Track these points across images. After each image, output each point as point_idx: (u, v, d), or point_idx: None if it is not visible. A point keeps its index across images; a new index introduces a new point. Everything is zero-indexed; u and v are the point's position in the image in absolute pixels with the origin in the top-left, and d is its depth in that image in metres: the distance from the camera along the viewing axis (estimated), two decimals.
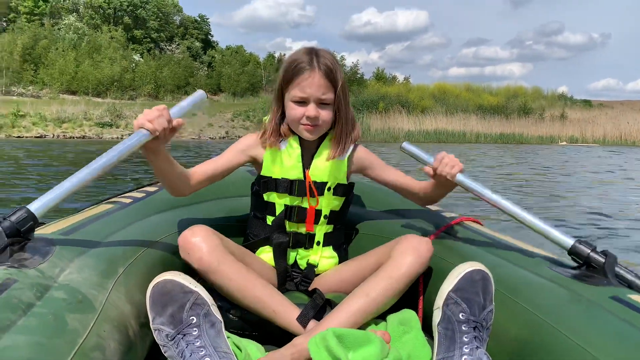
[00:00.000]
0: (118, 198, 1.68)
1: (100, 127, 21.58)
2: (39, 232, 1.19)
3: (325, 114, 1.49)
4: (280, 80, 1.52)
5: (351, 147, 1.60)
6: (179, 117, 1.30)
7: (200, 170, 1.54)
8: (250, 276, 1.36)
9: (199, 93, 1.45)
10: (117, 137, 20.59)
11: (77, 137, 20.12)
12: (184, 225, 1.58)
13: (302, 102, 1.48)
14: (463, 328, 1.12)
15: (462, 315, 1.13)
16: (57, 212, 1.33)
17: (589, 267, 1.21)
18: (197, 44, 43.68)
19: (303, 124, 1.50)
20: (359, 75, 41.92)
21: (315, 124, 1.50)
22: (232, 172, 1.61)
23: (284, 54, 54.88)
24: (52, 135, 20.04)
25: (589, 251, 1.22)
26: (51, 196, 1.13)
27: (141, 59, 36.12)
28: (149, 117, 1.23)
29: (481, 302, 1.15)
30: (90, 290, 1.01)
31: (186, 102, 1.40)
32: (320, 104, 1.48)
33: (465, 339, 1.11)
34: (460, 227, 1.65)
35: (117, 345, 0.95)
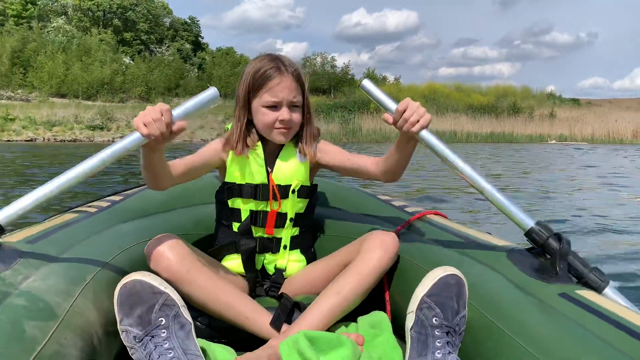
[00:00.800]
0: (83, 207, 1.67)
1: (91, 130, 21.52)
2: (4, 239, 1.16)
3: (297, 116, 1.53)
4: (247, 88, 1.50)
5: (312, 149, 1.60)
6: (182, 119, 1.21)
7: (180, 164, 1.50)
8: (221, 283, 1.35)
9: (212, 91, 1.30)
10: (108, 140, 20.55)
11: (67, 141, 20.06)
12: (152, 233, 1.56)
13: (274, 106, 1.49)
14: (436, 333, 1.12)
15: (435, 320, 1.13)
16: (24, 219, 1.29)
17: (544, 253, 1.21)
18: (187, 45, 43.63)
19: (277, 128, 1.51)
20: (350, 76, 42.13)
21: (288, 127, 1.52)
22: (206, 171, 1.61)
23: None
24: (42, 139, 19.94)
25: (547, 237, 1.20)
26: (22, 204, 1.11)
27: (131, 61, 35.98)
28: (146, 120, 1.15)
29: (455, 307, 1.14)
30: (54, 298, 0.99)
31: (194, 102, 1.25)
32: (292, 106, 1.51)
33: (438, 344, 1.10)
34: (423, 222, 1.64)
35: (79, 353, 0.93)
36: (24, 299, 0.94)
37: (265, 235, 1.59)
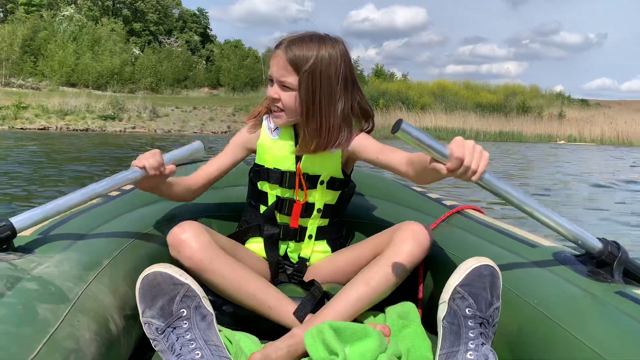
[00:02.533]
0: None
1: (103, 119, 21.51)
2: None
3: (287, 98, 1.42)
4: None
5: (342, 145, 1.48)
6: (171, 163, 1.36)
7: (202, 174, 1.55)
8: (244, 272, 1.33)
9: (197, 144, 1.51)
10: (120, 130, 20.57)
11: (80, 130, 20.04)
12: (174, 217, 1.58)
13: (271, 80, 1.45)
14: (469, 323, 1.09)
15: (468, 311, 1.10)
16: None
17: (601, 263, 1.14)
18: (196, 37, 43.59)
19: (270, 107, 1.48)
20: (359, 72, 41.97)
21: (276, 106, 1.45)
22: (232, 168, 1.60)
23: None
24: (55, 128, 19.94)
25: (607, 249, 1.13)
26: (36, 212, 1.16)
27: (141, 52, 35.99)
28: (144, 158, 1.30)
29: (488, 298, 1.12)
30: (65, 282, 1.00)
31: (182, 151, 1.47)
32: (283, 86, 1.42)
33: (471, 335, 1.08)
34: (461, 216, 1.60)
35: (94, 336, 0.94)
36: (35, 283, 0.95)
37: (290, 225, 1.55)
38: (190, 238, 1.27)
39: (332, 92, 1.41)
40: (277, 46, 1.43)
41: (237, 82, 36.73)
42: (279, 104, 1.43)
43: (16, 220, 1.11)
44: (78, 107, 21.90)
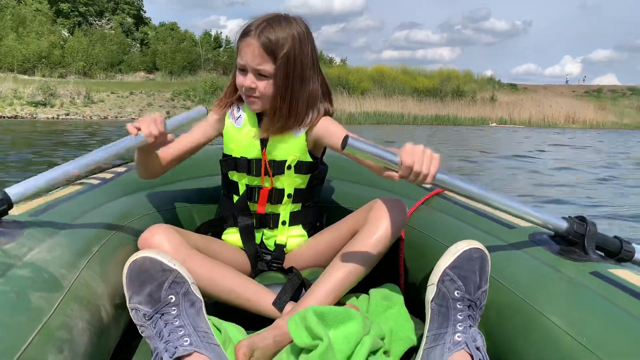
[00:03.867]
0: (87, 179, 1.62)
1: (34, 106, 20.43)
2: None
3: (264, 86, 1.39)
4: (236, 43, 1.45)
5: (307, 125, 1.47)
6: (172, 130, 1.32)
7: (172, 150, 1.52)
8: (219, 268, 1.32)
9: (200, 109, 1.47)
10: (53, 117, 19.62)
11: (8, 117, 18.95)
12: (157, 205, 1.59)
13: (243, 69, 1.41)
14: (458, 306, 1.09)
15: (457, 293, 1.10)
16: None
17: (572, 240, 1.16)
18: (129, 19, 41.90)
19: (244, 94, 1.44)
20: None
21: (252, 95, 1.42)
22: (202, 146, 1.59)
23: (220, 32, 53.73)
24: None
25: (572, 224, 1.16)
26: (33, 183, 1.11)
27: (70, 35, 34.21)
28: (142, 123, 1.26)
29: (477, 282, 1.11)
30: (59, 269, 0.97)
31: (184, 117, 1.42)
32: (259, 74, 1.39)
33: (460, 317, 1.08)
34: (440, 198, 1.61)
35: (86, 325, 0.93)
36: (28, 270, 0.92)
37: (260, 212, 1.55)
38: (160, 240, 1.24)
39: (304, 74, 1.41)
40: (246, 34, 1.38)
41: (174, 66, 35.73)
42: (255, 92, 1.41)
43: (13, 192, 1.07)
44: (4, 93, 20.69)
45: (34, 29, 30.77)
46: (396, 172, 1.08)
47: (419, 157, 1.06)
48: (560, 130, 27.07)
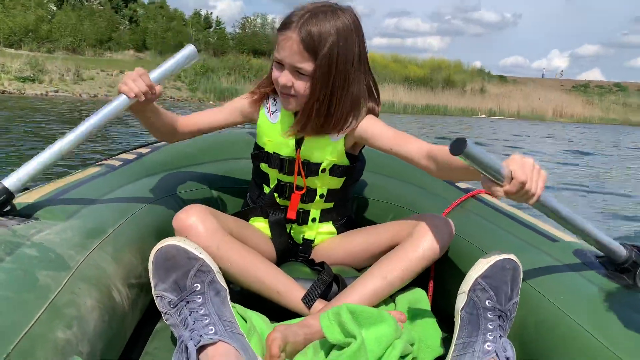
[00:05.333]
0: (108, 161, 1.60)
1: (22, 81, 19.98)
2: (21, 199, 1.15)
3: (301, 86, 1.29)
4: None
5: (343, 132, 1.38)
6: (161, 80, 1.24)
7: (193, 121, 1.47)
8: (252, 257, 1.29)
9: (189, 49, 1.28)
10: (42, 94, 19.24)
11: None
12: (179, 187, 1.56)
13: (280, 64, 1.31)
14: (488, 315, 1.07)
15: (488, 303, 1.08)
16: (47, 174, 1.29)
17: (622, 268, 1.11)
18: None
19: (280, 91, 1.35)
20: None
21: (288, 94, 1.33)
22: (224, 127, 1.53)
23: (210, 12, 52.93)
24: None
25: (632, 257, 1.10)
26: (28, 168, 1.11)
27: (58, 9, 33.46)
28: (127, 82, 1.19)
29: (508, 293, 1.09)
30: (67, 250, 0.98)
31: (172, 62, 1.27)
32: (297, 72, 1.29)
33: (490, 326, 1.06)
34: (476, 201, 1.55)
35: (96, 303, 0.94)
36: (35, 249, 0.93)
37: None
38: (196, 223, 1.20)
39: (347, 74, 1.29)
40: (286, 26, 1.27)
41: (164, 45, 35.18)
42: (291, 91, 1.32)
43: (9, 182, 1.07)
44: None
45: (21, 2, 30.01)
46: (500, 185, 0.95)
47: (531, 172, 0.94)
48: (548, 124, 27.38)
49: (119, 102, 1.20)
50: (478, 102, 32.53)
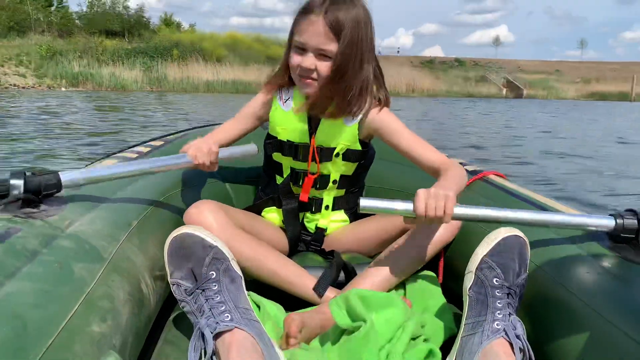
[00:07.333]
0: (123, 153, 1.65)
1: None
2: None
3: (324, 67, 1.32)
4: (292, 25, 1.37)
5: (361, 113, 1.43)
6: (223, 158, 1.40)
7: (226, 137, 1.56)
8: (263, 249, 1.32)
9: (252, 147, 1.50)
10: None
11: None
12: (192, 179, 1.61)
13: (302, 49, 1.33)
14: (496, 293, 1.06)
15: (496, 281, 1.07)
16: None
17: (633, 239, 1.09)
18: None
19: (300, 75, 1.37)
20: (145, 20, 39.43)
21: (311, 77, 1.35)
22: (242, 137, 1.59)
23: None
24: None
25: (622, 225, 1.09)
26: (85, 174, 1.16)
27: None
28: (198, 157, 1.34)
29: (516, 269, 1.09)
30: (100, 241, 1.00)
31: (236, 151, 1.47)
32: (320, 55, 1.32)
33: (499, 305, 1.05)
34: (484, 183, 1.57)
35: (127, 295, 0.95)
36: (70, 241, 0.94)
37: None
38: (207, 218, 1.24)
39: (363, 57, 1.35)
40: (309, 10, 1.31)
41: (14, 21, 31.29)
42: (313, 74, 1.34)
43: (63, 177, 1.11)
44: None
45: None
46: (413, 219, 1.14)
47: (431, 204, 1.10)
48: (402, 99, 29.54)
49: (183, 161, 1.34)
50: None
